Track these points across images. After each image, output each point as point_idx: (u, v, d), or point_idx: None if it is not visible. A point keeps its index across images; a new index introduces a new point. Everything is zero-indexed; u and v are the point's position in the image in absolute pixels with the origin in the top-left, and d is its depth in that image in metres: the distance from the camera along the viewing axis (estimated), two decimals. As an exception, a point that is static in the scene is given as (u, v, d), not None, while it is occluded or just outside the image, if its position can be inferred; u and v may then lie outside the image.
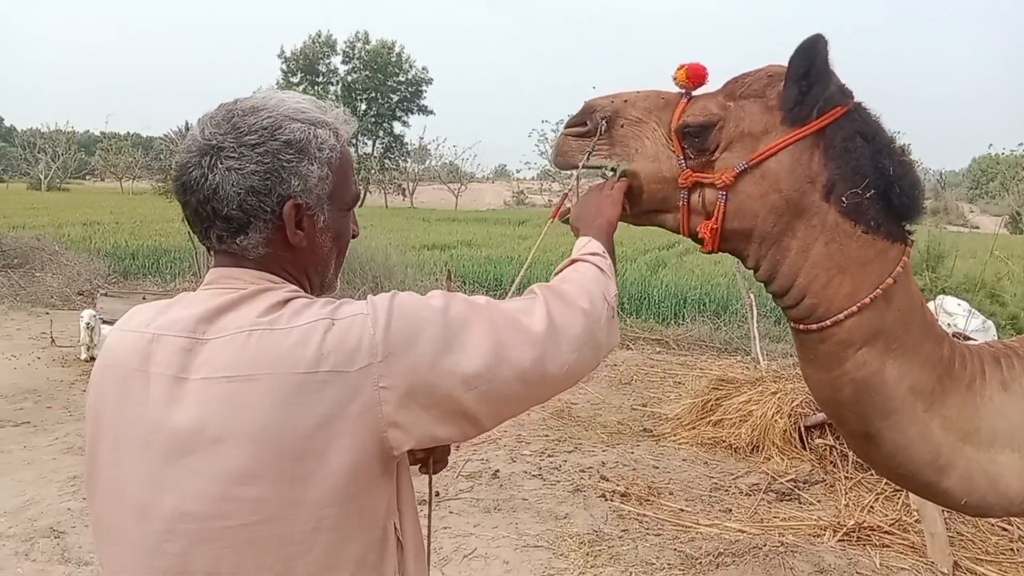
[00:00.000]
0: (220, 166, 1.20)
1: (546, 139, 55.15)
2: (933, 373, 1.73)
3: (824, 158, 1.63)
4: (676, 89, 1.77)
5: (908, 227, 1.70)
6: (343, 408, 1.12)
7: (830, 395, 1.75)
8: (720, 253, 1.79)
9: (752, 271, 1.78)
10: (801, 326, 1.72)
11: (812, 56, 1.59)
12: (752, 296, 9.92)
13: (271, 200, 1.22)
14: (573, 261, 1.55)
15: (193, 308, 1.21)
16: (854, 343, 1.67)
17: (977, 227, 43.09)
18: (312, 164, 1.24)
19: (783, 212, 1.66)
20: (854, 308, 1.65)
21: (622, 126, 1.78)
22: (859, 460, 5.67)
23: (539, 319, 1.30)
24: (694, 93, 1.75)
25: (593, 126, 1.79)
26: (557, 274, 1.53)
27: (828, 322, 1.66)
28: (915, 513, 4.74)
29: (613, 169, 1.75)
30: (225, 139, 1.20)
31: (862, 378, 1.68)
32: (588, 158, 1.78)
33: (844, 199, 1.63)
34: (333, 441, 1.12)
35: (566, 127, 1.86)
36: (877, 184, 1.63)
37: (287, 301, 1.19)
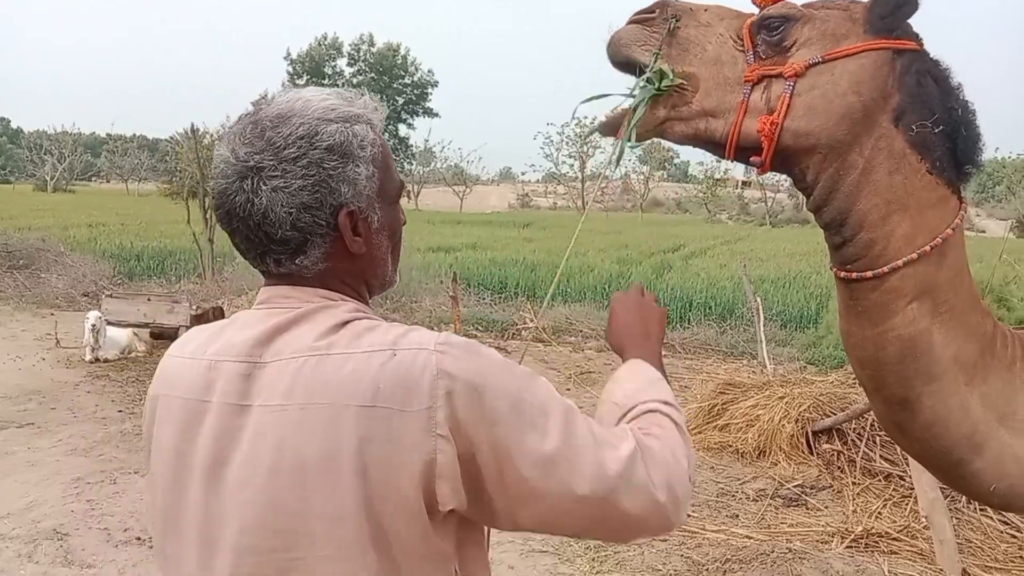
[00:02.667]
0: (264, 187, 1.12)
1: (551, 142, 55.19)
2: (977, 346, 1.69)
3: (897, 82, 1.61)
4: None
5: (964, 183, 1.67)
6: (394, 449, 1.04)
7: (873, 353, 1.69)
8: (770, 173, 1.73)
9: (805, 195, 1.72)
10: (854, 274, 1.66)
11: None
12: (759, 299, 9.89)
13: (324, 213, 1.15)
14: (636, 406, 1.28)
15: (247, 331, 1.16)
16: (906, 294, 1.62)
17: (983, 231, 42.98)
18: (358, 166, 1.17)
19: (858, 120, 1.61)
20: (913, 255, 1.60)
21: (689, 27, 1.70)
22: (886, 437, 5.64)
23: (622, 458, 1.13)
24: None
25: (661, 19, 1.69)
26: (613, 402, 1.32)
27: (886, 268, 1.61)
28: (924, 519, 4.70)
29: (661, 85, 1.64)
30: (263, 158, 1.12)
31: (910, 336, 1.63)
32: (655, 61, 1.65)
33: (914, 128, 1.60)
34: (382, 482, 1.05)
35: (632, 16, 1.74)
36: (946, 123, 1.61)
37: (346, 323, 1.13)
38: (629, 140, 1.68)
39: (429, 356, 1.07)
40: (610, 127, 1.75)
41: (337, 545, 1.06)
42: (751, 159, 1.68)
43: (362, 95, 1.26)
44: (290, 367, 1.09)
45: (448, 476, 1.05)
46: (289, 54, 57.27)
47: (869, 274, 1.64)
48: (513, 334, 10.35)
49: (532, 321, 10.77)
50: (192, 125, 15.64)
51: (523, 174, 73.45)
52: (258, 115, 1.17)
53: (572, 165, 55.23)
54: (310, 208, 1.14)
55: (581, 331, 10.91)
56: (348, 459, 1.04)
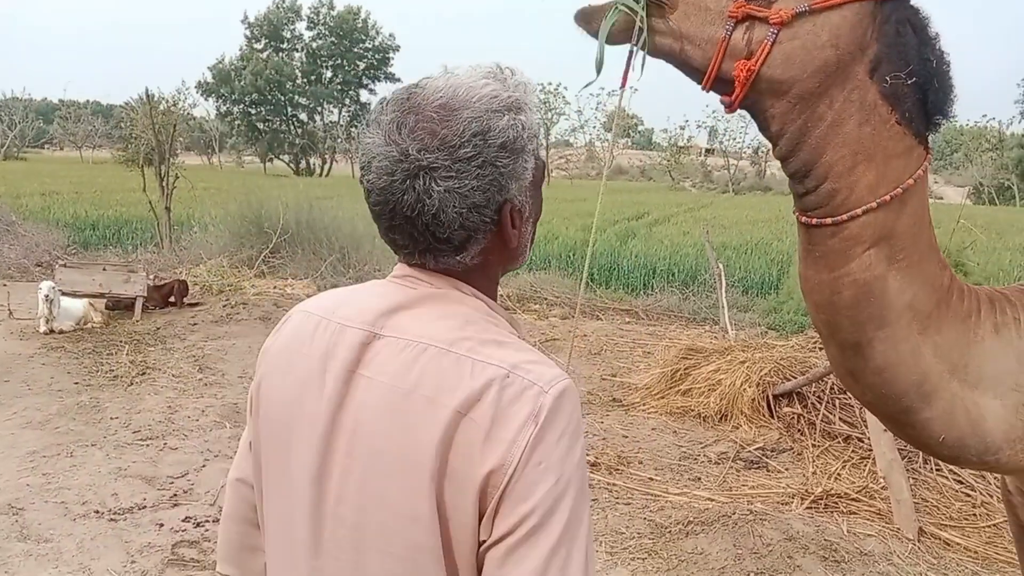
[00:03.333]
0: (437, 188, 1.08)
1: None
2: (933, 296, 1.70)
3: (877, 32, 1.59)
4: None
5: (932, 133, 1.68)
6: (471, 466, 1.02)
7: (828, 297, 1.70)
8: (737, 112, 1.69)
9: (771, 143, 1.70)
10: (814, 220, 1.66)
11: None
12: (721, 266, 9.96)
13: (490, 210, 1.12)
14: None
15: (375, 300, 1.16)
16: (863, 241, 1.63)
17: (941, 197, 43.68)
18: (527, 160, 1.14)
19: (832, 72, 1.58)
20: (873, 203, 1.60)
21: None
22: (846, 400, 5.74)
23: None
24: None
25: None
26: None
27: (845, 216, 1.62)
28: (881, 480, 4.79)
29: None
30: (438, 157, 1.07)
31: (864, 281, 1.64)
32: None
33: (888, 79, 1.59)
34: (455, 493, 1.03)
35: None
36: (919, 74, 1.60)
37: (470, 321, 1.11)
38: (608, 41, 1.62)
39: (538, 397, 1.04)
40: (586, 17, 1.66)
41: (406, 545, 1.05)
42: (721, 97, 1.66)
43: (512, 72, 1.19)
44: (409, 351, 1.08)
45: (492, 512, 1.03)
46: (247, 17, 56.11)
47: (829, 221, 1.64)
48: (477, 302, 10.30)
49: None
50: (147, 90, 15.22)
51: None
52: (418, 105, 1.11)
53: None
54: (479, 207, 1.11)
55: (546, 299, 10.92)
56: (430, 458, 1.03)
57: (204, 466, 5.05)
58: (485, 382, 1.04)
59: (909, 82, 1.60)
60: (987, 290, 1.88)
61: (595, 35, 1.63)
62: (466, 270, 1.17)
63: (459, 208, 1.09)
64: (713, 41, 1.60)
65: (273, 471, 1.19)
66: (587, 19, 1.65)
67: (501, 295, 10.35)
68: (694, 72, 1.66)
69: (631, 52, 1.66)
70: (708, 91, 1.68)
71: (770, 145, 1.75)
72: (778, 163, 1.77)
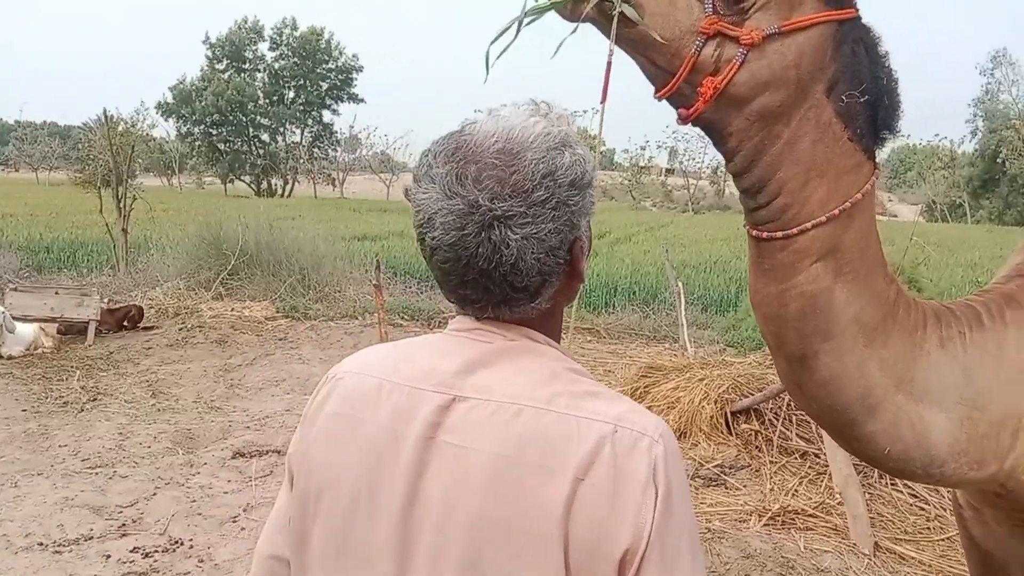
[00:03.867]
0: (514, 235, 1.03)
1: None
2: (879, 310, 1.72)
3: (835, 53, 1.60)
4: None
5: (879, 148, 1.70)
6: (602, 533, 0.98)
7: (776, 310, 1.71)
8: (694, 126, 1.67)
9: (725, 158, 1.69)
10: (765, 234, 1.67)
11: None
12: (680, 284, 10.03)
13: (564, 251, 1.09)
14: None
15: (446, 359, 1.10)
16: (811, 254, 1.65)
17: (896, 215, 44.53)
18: (592, 193, 1.11)
19: (792, 92, 1.59)
20: (823, 218, 1.62)
21: None
22: (802, 416, 5.76)
23: None
24: None
25: None
26: None
27: (795, 230, 1.63)
28: (838, 495, 4.82)
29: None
30: (512, 205, 1.03)
31: (811, 293, 1.66)
32: None
33: (844, 98, 1.61)
34: (584, 563, 0.99)
35: None
36: (871, 92, 1.63)
37: (555, 374, 1.07)
38: (567, 15, 1.55)
39: (651, 449, 1.02)
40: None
41: None
42: (679, 109, 1.64)
43: (550, 106, 1.15)
44: (502, 413, 1.03)
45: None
46: (208, 38, 55.67)
47: (779, 235, 1.65)
48: (440, 322, 10.26)
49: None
50: (105, 111, 15.01)
51: (451, 162, 72.38)
52: (474, 152, 1.06)
53: (499, 152, 55.23)
54: (555, 249, 1.07)
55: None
56: (556, 528, 0.98)
57: (155, 494, 4.93)
58: (596, 442, 1.00)
59: (862, 100, 1.63)
60: (933, 304, 1.90)
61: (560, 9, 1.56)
62: (539, 315, 1.13)
63: (537, 254, 1.05)
64: (680, 55, 1.58)
65: (327, 547, 1.11)
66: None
67: (442, 313, 10.34)
68: (654, 79, 1.65)
69: (609, 64, 1.62)
70: (661, 100, 1.66)
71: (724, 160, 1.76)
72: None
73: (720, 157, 1.78)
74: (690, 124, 1.68)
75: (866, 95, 1.63)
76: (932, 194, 44.00)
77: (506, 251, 1.04)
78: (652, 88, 1.68)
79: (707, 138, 1.75)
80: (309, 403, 1.21)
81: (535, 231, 1.04)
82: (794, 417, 5.89)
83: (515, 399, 1.04)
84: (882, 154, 1.78)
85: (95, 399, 6.82)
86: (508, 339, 1.11)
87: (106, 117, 15.01)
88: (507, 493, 1.00)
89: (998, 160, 31.63)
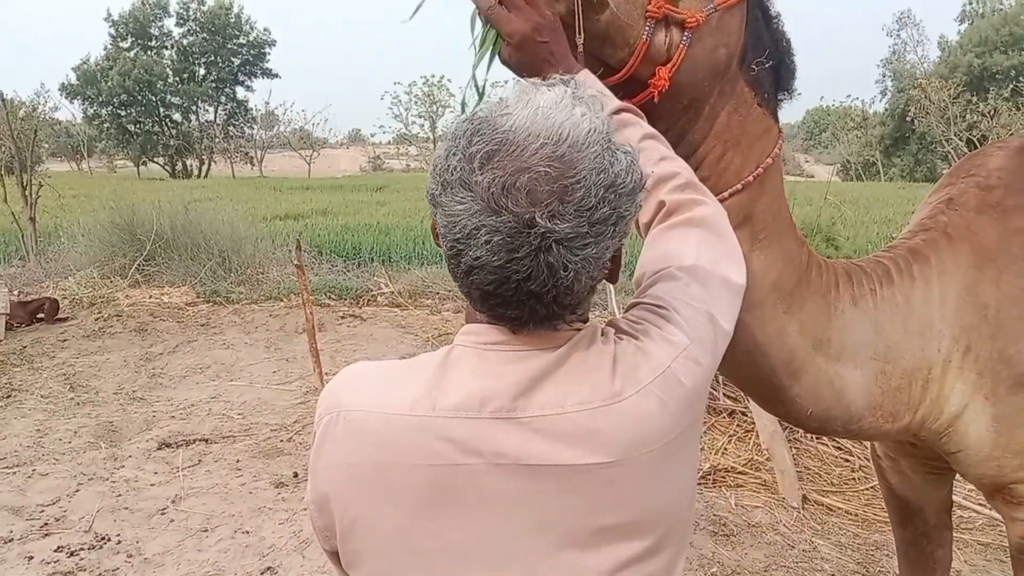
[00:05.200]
0: (574, 258, 0.94)
1: (400, 102, 54.30)
2: (794, 274, 1.75)
3: (744, 24, 1.59)
4: None
5: (779, 109, 1.72)
6: (696, 453, 1.08)
7: None
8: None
9: None
10: None
11: None
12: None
13: (610, 261, 1.03)
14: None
15: (492, 380, 1.00)
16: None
17: (812, 176, 45.74)
18: (640, 196, 1.01)
19: (719, 71, 1.57)
20: (738, 186, 1.63)
21: None
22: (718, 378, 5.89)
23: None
24: None
25: None
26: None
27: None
28: (766, 452, 4.95)
29: None
30: (575, 225, 0.92)
31: None
32: None
33: (753, 67, 1.62)
34: (692, 488, 1.13)
35: None
36: (774, 56, 1.64)
37: (603, 352, 1.04)
38: None
39: (688, 360, 1.07)
40: None
41: None
42: (621, 95, 1.50)
43: (576, 83, 1.04)
44: (578, 422, 0.97)
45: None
46: (110, 15, 53.40)
47: None
48: (368, 300, 10.15)
49: (387, 286, 10.60)
50: (2, 94, 14.30)
51: (373, 136, 71.69)
52: (520, 156, 0.92)
53: (423, 125, 54.68)
54: (606, 264, 1.01)
55: (438, 293, 10.82)
56: (672, 499, 1.07)
57: (77, 491, 4.77)
58: (672, 397, 1.04)
59: (768, 65, 1.64)
60: (844, 263, 1.95)
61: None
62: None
63: (592, 272, 0.98)
64: (630, 44, 1.48)
65: None
66: None
67: (393, 292, 10.24)
68: (604, 66, 1.55)
69: (583, 52, 1.46)
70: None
71: None
72: None
73: None
74: None
75: (770, 60, 1.64)
76: (846, 154, 45.30)
77: (563, 274, 0.94)
78: None
79: None
80: (315, 451, 1.07)
81: (595, 252, 0.96)
82: (719, 377, 6.02)
83: (584, 404, 0.99)
84: (797, 115, 1.80)
85: (9, 396, 6.54)
86: (555, 344, 1.03)
87: (3, 100, 14.31)
88: (644, 493, 1.02)
89: (907, 119, 32.73)
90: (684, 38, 1.49)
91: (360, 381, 1.07)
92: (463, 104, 1.49)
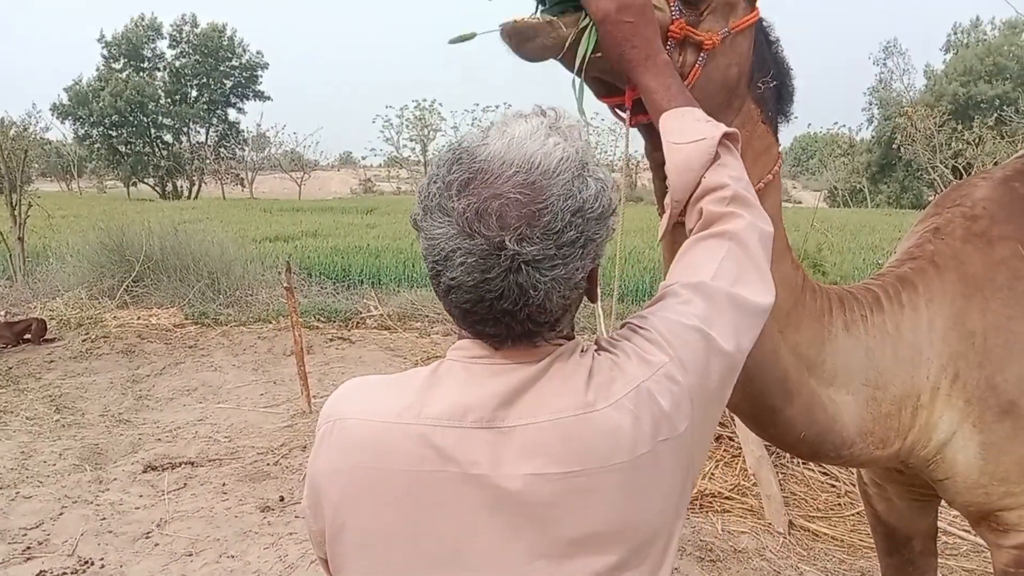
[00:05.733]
0: (543, 278, 1.00)
1: (391, 125, 54.41)
2: (791, 296, 1.77)
3: (752, 46, 1.67)
4: None
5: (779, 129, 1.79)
6: (679, 471, 1.07)
7: None
8: (605, 125, 1.69)
9: (657, 156, 1.67)
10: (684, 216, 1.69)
11: None
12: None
13: (584, 280, 1.08)
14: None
15: (476, 389, 1.05)
16: None
17: (800, 202, 45.97)
18: (611, 220, 1.08)
19: (732, 88, 1.64)
20: None
21: None
22: None
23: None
24: None
25: None
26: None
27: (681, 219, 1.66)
28: (752, 477, 4.95)
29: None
30: (542, 248, 0.99)
31: None
32: None
33: (759, 85, 1.68)
34: (677, 507, 1.11)
35: None
36: (776, 76, 1.72)
37: (579, 365, 1.07)
38: (530, 56, 1.41)
39: (671, 369, 1.10)
40: (520, 36, 1.39)
41: None
42: (638, 117, 1.56)
43: (557, 114, 1.10)
44: (556, 432, 1.01)
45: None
46: (103, 36, 53.51)
47: None
48: (357, 323, 10.13)
49: (376, 308, 10.59)
50: (-10, 114, 14.29)
51: (364, 158, 71.47)
52: (492, 184, 0.99)
53: (414, 149, 54.80)
54: (579, 284, 1.05)
55: (427, 316, 10.81)
56: (646, 509, 1.06)
57: (61, 514, 4.72)
58: (644, 413, 1.05)
59: (772, 85, 1.72)
60: (836, 289, 1.97)
61: (567, 65, 1.45)
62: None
63: (563, 291, 1.03)
64: None
65: None
66: (521, 39, 1.40)
67: (382, 314, 10.22)
68: (614, 94, 1.59)
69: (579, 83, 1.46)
70: (612, 106, 1.62)
71: (646, 158, 1.74)
72: (648, 174, 1.80)
73: (630, 150, 1.81)
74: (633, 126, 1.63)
75: (774, 80, 1.72)
76: (833, 180, 45.53)
77: (533, 293, 1.00)
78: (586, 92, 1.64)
79: (620, 132, 1.76)
80: (312, 457, 1.12)
81: (564, 273, 1.01)
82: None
83: (560, 413, 1.03)
84: (785, 142, 1.84)
85: (-7, 417, 6.49)
86: (537, 358, 1.08)
87: (-7, 121, 14.29)
88: (604, 504, 1.03)
89: (893, 146, 33.01)
90: (700, 59, 1.56)
91: (357, 392, 1.13)
92: (578, 99, 1.49)
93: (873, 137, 45.27)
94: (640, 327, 1.15)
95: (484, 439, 1.02)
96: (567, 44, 1.41)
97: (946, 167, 24.11)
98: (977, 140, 24.42)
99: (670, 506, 1.10)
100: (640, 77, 1.40)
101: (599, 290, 1.13)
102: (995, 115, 28.95)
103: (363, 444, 1.05)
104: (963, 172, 22.22)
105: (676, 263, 1.27)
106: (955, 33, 45.99)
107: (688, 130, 1.34)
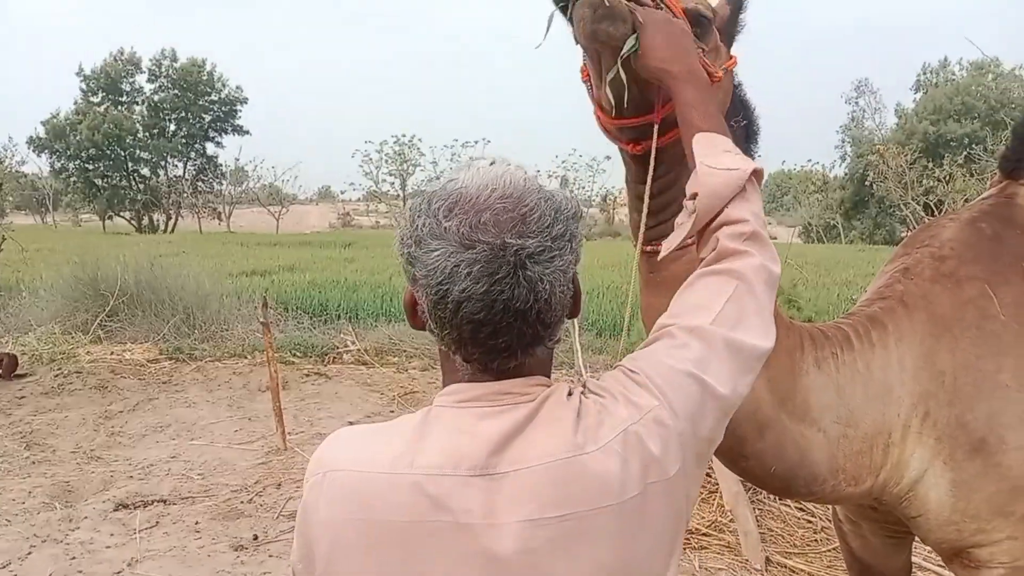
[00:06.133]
0: (547, 271, 1.05)
1: (370, 160, 54.55)
2: None
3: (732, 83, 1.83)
4: None
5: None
6: (671, 514, 1.09)
7: None
8: (637, 154, 1.74)
9: (638, 181, 1.74)
10: (661, 246, 1.71)
11: None
12: (574, 311, 10.12)
13: (572, 282, 1.13)
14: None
15: (466, 436, 1.06)
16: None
17: (775, 238, 46.26)
18: (582, 223, 1.15)
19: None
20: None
21: None
22: None
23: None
24: None
25: None
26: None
27: (689, 240, 1.68)
28: (729, 514, 4.95)
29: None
30: (540, 240, 1.05)
31: None
32: None
33: (733, 123, 1.76)
34: (670, 551, 1.12)
35: None
36: (746, 117, 1.86)
37: (568, 407, 1.08)
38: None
39: (661, 411, 1.11)
40: (611, 16, 1.46)
41: None
42: (634, 141, 1.69)
43: (503, 160, 1.16)
44: (547, 476, 1.02)
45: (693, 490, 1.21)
46: (82, 70, 53.35)
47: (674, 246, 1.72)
48: (334, 358, 10.06)
49: (354, 343, 10.53)
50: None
51: (343, 193, 71.46)
52: (476, 206, 1.05)
53: (393, 183, 54.91)
54: (570, 281, 1.11)
55: (405, 351, 10.76)
56: (637, 552, 1.06)
57: (30, 553, 4.63)
58: (633, 455, 1.06)
59: (743, 123, 1.84)
60: (807, 326, 2.00)
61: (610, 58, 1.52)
62: (538, 362, 1.14)
63: (563, 285, 1.08)
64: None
65: None
66: (608, 15, 1.46)
67: (359, 349, 10.16)
68: (630, 103, 1.62)
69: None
70: (619, 126, 1.69)
71: (626, 190, 1.83)
72: (624, 210, 1.88)
73: (608, 185, 1.90)
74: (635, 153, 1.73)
75: (745, 120, 1.85)
76: (807, 216, 46.07)
77: (541, 287, 1.05)
78: (591, 111, 1.76)
79: (597, 168, 1.85)
80: (301, 510, 1.12)
81: (561, 264, 1.07)
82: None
83: (550, 457, 1.04)
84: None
85: (-39, 455, 6.37)
86: (529, 398, 1.10)
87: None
88: (593, 548, 1.03)
89: (866, 183, 33.53)
90: None
91: (345, 443, 1.14)
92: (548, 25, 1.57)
93: (846, 174, 45.94)
94: (630, 371, 1.17)
95: (478, 486, 1.02)
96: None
97: (918, 204, 24.49)
98: (948, 177, 24.83)
99: (662, 549, 1.10)
100: (683, 88, 1.46)
101: (581, 301, 1.17)
102: (965, 153, 29.49)
103: (356, 495, 1.05)
104: (935, 209, 22.57)
105: (680, 295, 1.29)
106: (924, 73, 46.99)
107: (721, 157, 1.38)
